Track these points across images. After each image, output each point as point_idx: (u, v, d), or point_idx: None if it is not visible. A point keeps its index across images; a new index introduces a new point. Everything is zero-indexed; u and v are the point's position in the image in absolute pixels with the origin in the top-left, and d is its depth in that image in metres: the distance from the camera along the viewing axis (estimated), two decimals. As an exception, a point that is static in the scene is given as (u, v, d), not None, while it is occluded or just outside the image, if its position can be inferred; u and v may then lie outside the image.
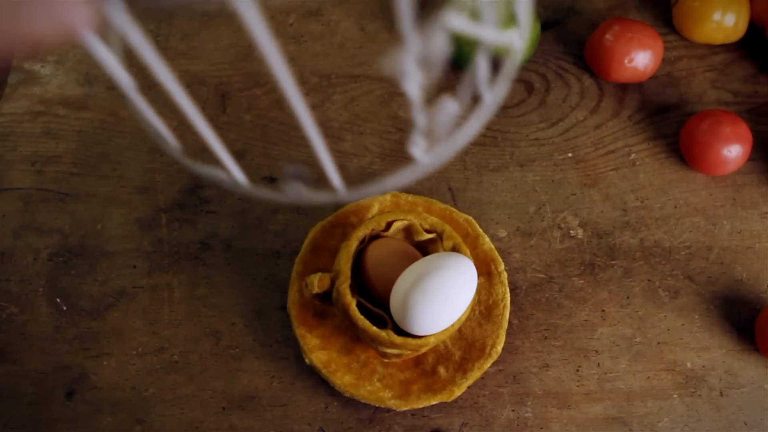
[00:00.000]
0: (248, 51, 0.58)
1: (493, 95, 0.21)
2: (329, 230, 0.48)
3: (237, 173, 0.22)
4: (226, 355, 0.48)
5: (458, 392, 0.45)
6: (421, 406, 0.45)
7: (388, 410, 0.46)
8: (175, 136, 0.23)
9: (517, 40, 0.20)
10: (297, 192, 0.22)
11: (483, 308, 0.47)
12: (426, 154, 0.21)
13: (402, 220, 0.44)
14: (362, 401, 0.45)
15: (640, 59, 0.54)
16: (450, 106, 0.20)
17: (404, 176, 0.22)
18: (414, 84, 0.18)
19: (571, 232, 0.52)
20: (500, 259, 0.48)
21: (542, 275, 0.50)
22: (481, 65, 0.20)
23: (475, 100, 0.19)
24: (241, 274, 0.50)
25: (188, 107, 0.18)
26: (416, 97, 0.18)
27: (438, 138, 0.21)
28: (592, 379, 0.47)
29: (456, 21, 0.17)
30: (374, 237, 0.45)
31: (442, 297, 0.40)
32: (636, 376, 0.48)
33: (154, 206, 0.52)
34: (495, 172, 0.54)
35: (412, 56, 0.17)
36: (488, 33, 0.18)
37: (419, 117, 0.19)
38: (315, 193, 0.22)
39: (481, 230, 0.49)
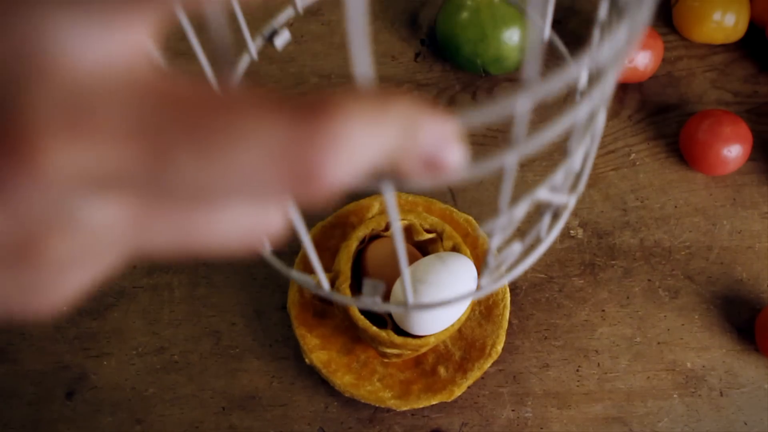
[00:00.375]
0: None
1: (549, 239, 0.27)
2: (329, 230, 0.48)
3: (324, 281, 0.26)
4: (226, 355, 0.48)
5: (458, 392, 0.45)
6: (421, 406, 0.45)
7: (388, 410, 0.46)
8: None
9: (573, 200, 0.26)
10: (373, 302, 0.26)
11: (483, 308, 0.47)
12: (489, 282, 0.27)
13: (402, 220, 0.44)
14: (362, 401, 0.45)
15: (640, 59, 0.54)
16: (515, 248, 0.25)
17: (467, 296, 0.27)
18: (497, 240, 0.23)
19: (571, 232, 0.52)
20: (500, 259, 0.48)
21: (542, 275, 0.50)
22: (545, 219, 0.26)
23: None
24: (241, 274, 0.50)
25: (305, 235, 0.22)
26: (494, 246, 0.23)
27: (501, 270, 0.26)
28: (592, 379, 0.47)
29: (543, 193, 0.22)
30: (374, 237, 0.45)
31: (442, 297, 0.40)
32: (636, 376, 0.48)
33: (154, 206, 0.52)
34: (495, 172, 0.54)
35: (502, 223, 0.21)
36: (559, 198, 0.24)
37: (491, 259, 0.24)
38: (387, 305, 0.26)
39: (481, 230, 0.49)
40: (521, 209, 0.22)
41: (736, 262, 0.51)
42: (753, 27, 0.59)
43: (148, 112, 0.11)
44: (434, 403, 0.45)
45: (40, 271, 0.12)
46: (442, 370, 0.45)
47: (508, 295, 0.47)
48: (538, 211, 0.26)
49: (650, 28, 0.55)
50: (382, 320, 0.43)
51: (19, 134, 0.10)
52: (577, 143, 0.21)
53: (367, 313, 0.43)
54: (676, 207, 0.53)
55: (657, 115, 0.57)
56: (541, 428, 0.46)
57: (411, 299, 0.26)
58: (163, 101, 0.11)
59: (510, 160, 0.17)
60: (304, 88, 0.57)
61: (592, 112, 0.20)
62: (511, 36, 0.53)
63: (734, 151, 0.52)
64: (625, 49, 0.17)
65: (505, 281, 0.27)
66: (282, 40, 0.33)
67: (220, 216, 0.13)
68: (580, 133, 0.21)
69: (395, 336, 0.41)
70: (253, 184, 0.11)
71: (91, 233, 0.12)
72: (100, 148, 0.11)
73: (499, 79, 0.57)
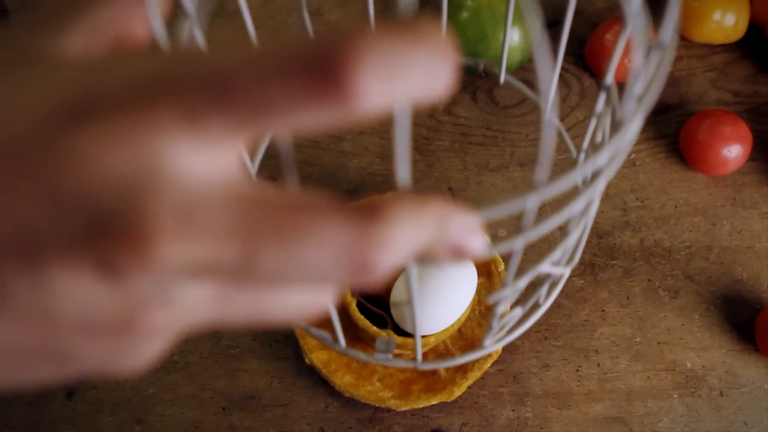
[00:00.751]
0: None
1: (546, 304, 0.31)
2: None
3: (341, 338, 0.30)
4: (226, 355, 0.48)
5: (458, 392, 0.45)
6: (421, 406, 0.45)
7: (388, 410, 0.46)
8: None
9: (568, 271, 0.30)
10: (384, 359, 0.30)
11: (483, 308, 0.47)
12: (492, 343, 0.31)
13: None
14: (362, 401, 0.45)
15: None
16: (516, 312, 0.29)
17: (472, 356, 0.31)
18: (502, 306, 0.26)
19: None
20: (500, 259, 0.48)
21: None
22: (544, 288, 0.30)
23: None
24: (241, 274, 0.50)
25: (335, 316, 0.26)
26: (499, 312, 0.27)
27: (503, 332, 0.31)
28: (592, 379, 0.47)
29: (544, 267, 0.25)
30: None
31: (442, 297, 0.40)
32: (636, 376, 0.48)
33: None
34: (495, 172, 0.54)
35: (507, 294, 0.25)
36: (557, 270, 0.28)
37: (495, 323, 0.28)
38: (397, 361, 0.31)
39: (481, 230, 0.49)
40: (524, 281, 0.25)
41: (736, 262, 0.51)
42: (753, 27, 0.59)
43: (241, 216, 0.14)
44: (434, 403, 0.45)
45: (135, 340, 0.15)
46: (442, 370, 0.45)
47: (508, 295, 0.47)
48: (538, 278, 0.29)
49: (650, 28, 0.55)
50: (382, 320, 0.43)
51: (138, 231, 0.13)
52: (574, 226, 0.24)
53: (367, 313, 0.43)
54: (676, 207, 0.53)
55: (657, 115, 0.57)
56: (541, 428, 0.46)
57: (419, 357, 0.30)
58: (254, 206, 0.14)
59: (518, 244, 0.20)
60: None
61: (588, 203, 0.22)
62: (512, 36, 0.53)
63: (734, 151, 0.52)
64: (617, 159, 0.21)
65: (507, 342, 0.32)
66: None
67: (287, 295, 0.16)
68: (576, 219, 0.25)
69: (395, 336, 0.41)
70: (321, 274, 0.14)
71: (182, 309, 0.15)
72: (203, 245, 0.13)
73: (499, 79, 0.57)
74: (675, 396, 0.47)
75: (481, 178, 0.54)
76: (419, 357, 0.30)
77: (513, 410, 0.46)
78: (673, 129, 0.56)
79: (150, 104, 0.13)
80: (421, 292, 0.40)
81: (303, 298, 0.16)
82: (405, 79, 0.13)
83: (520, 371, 0.47)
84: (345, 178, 0.53)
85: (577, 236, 0.26)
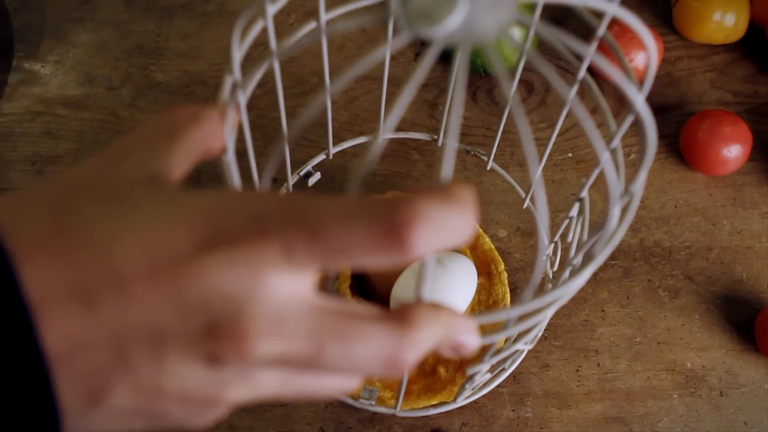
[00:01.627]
0: (248, 51, 0.58)
1: (510, 369, 0.38)
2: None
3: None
4: (226, 355, 0.48)
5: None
6: (421, 406, 0.45)
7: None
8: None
9: (530, 347, 0.38)
10: (369, 404, 0.36)
11: (483, 308, 0.47)
12: (462, 399, 0.38)
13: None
14: (362, 401, 0.45)
15: (640, 59, 0.54)
16: (486, 376, 0.35)
17: (444, 408, 0.37)
18: (481, 373, 0.32)
19: (571, 232, 0.52)
20: (500, 259, 0.48)
21: (542, 275, 0.50)
22: (510, 359, 0.37)
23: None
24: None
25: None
26: (476, 378, 0.32)
27: (474, 389, 0.37)
28: (592, 379, 0.47)
29: (519, 345, 0.32)
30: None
31: (442, 297, 0.40)
32: (636, 376, 0.48)
33: (154, 206, 0.52)
34: (495, 172, 0.54)
35: (485, 367, 0.30)
36: (527, 346, 0.35)
37: (468, 386, 0.35)
38: (378, 407, 0.35)
39: (481, 230, 0.49)
40: (501, 356, 0.30)
41: (736, 262, 0.51)
42: (753, 27, 0.59)
43: (314, 323, 0.19)
44: (434, 403, 0.45)
45: (214, 408, 0.19)
46: (442, 370, 0.45)
47: (508, 295, 0.47)
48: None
49: (650, 28, 0.55)
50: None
51: (238, 333, 0.18)
52: (540, 322, 0.30)
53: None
54: (676, 207, 0.53)
55: (657, 115, 0.57)
56: (541, 428, 0.46)
57: (398, 407, 0.36)
58: (322, 315, 0.19)
59: (498, 338, 0.26)
60: (304, 88, 0.57)
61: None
62: (512, 36, 0.53)
63: (734, 151, 0.52)
64: (574, 289, 0.26)
65: (475, 398, 0.39)
66: (313, 179, 0.46)
67: (330, 380, 0.21)
68: (540, 324, 0.33)
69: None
70: (364, 368, 0.19)
71: (254, 387, 0.19)
72: (285, 344, 0.18)
73: (498, 80, 0.57)
74: (675, 396, 0.47)
75: (481, 178, 0.54)
76: (399, 405, 0.35)
77: (513, 410, 0.46)
78: (673, 129, 0.56)
79: (259, 240, 0.18)
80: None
81: (340, 382, 0.21)
82: (443, 234, 0.18)
83: (520, 371, 0.47)
84: (345, 178, 0.53)
85: (538, 329, 0.34)
